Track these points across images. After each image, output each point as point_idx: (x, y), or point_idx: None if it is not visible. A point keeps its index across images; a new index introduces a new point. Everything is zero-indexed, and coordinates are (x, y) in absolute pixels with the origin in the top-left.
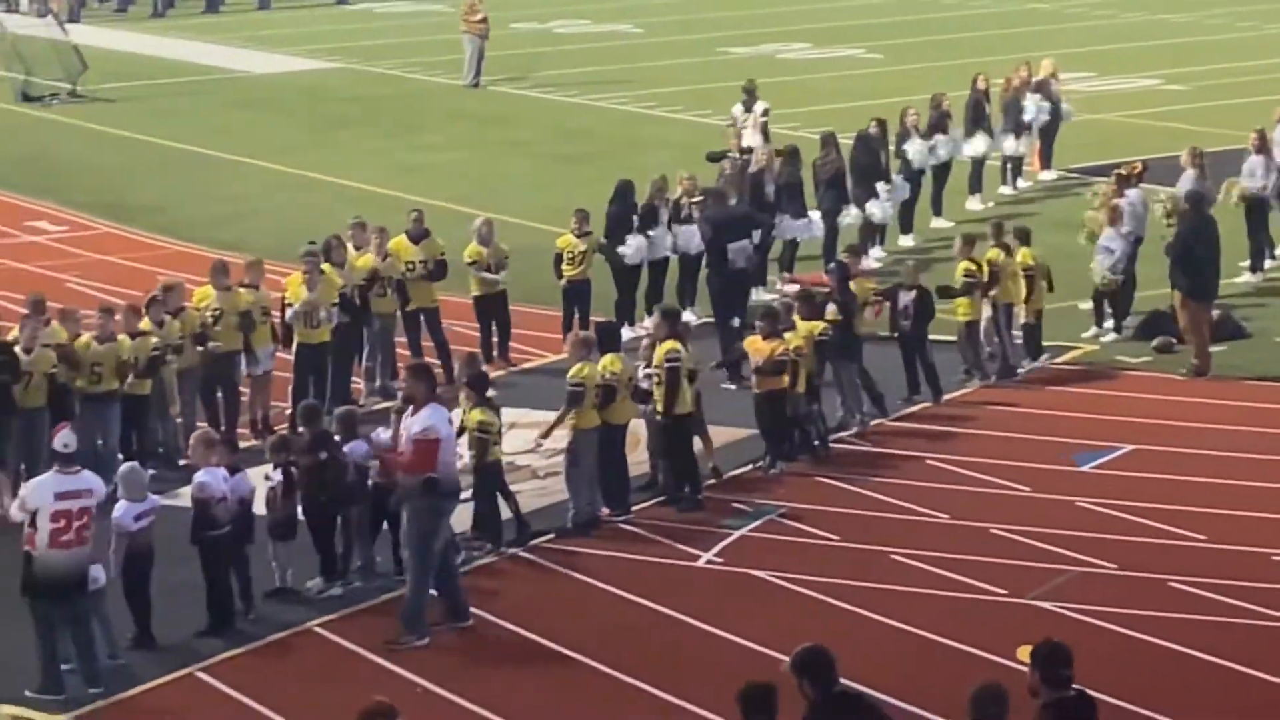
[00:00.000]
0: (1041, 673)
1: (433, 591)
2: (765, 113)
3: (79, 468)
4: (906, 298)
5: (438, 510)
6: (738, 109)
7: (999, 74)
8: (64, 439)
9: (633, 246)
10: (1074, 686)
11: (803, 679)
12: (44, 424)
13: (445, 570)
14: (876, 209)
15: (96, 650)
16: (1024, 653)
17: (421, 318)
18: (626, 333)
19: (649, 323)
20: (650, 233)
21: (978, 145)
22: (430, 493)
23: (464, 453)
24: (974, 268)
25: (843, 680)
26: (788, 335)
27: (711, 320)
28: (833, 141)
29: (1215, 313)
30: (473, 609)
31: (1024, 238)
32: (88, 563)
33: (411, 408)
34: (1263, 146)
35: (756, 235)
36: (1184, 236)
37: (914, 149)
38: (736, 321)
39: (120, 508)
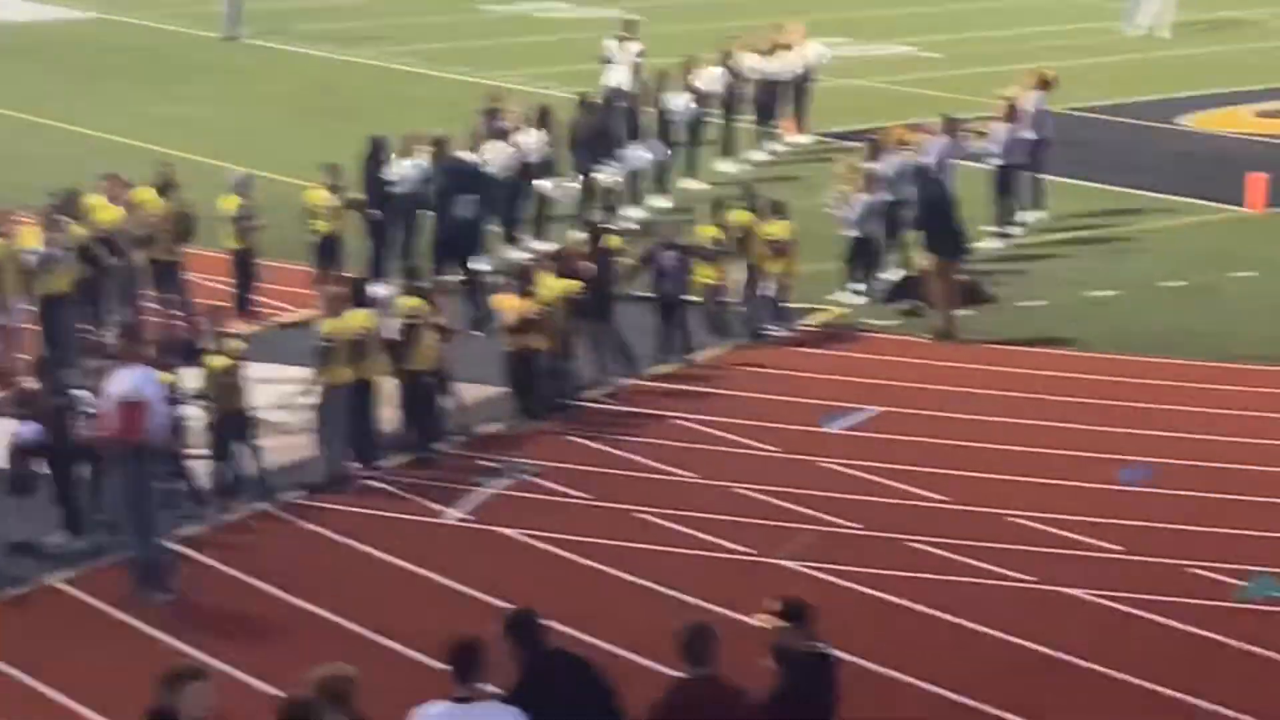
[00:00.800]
0: (788, 628)
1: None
2: (641, 54)
3: None
4: (667, 258)
5: (146, 474)
6: (611, 44)
7: (758, 36)
8: None
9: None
10: (817, 644)
11: (511, 641)
12: None
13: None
14: (615, 170)
15: None
16: (760, 619)
17: (166, 271)
18: (378, 289)
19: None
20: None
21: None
22: (137, 457)
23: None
24: (720, 233)
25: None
26: (539, 293)
27: (464, 279)
28: (588, 103)
29: (962, 278)
30: (222, 566)
31: (777, 209)
32: None
33: (118, 369)
34: (1011, 114)
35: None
36: (925, 204)
37: (669, 106)
38: (487, 275)
39: None
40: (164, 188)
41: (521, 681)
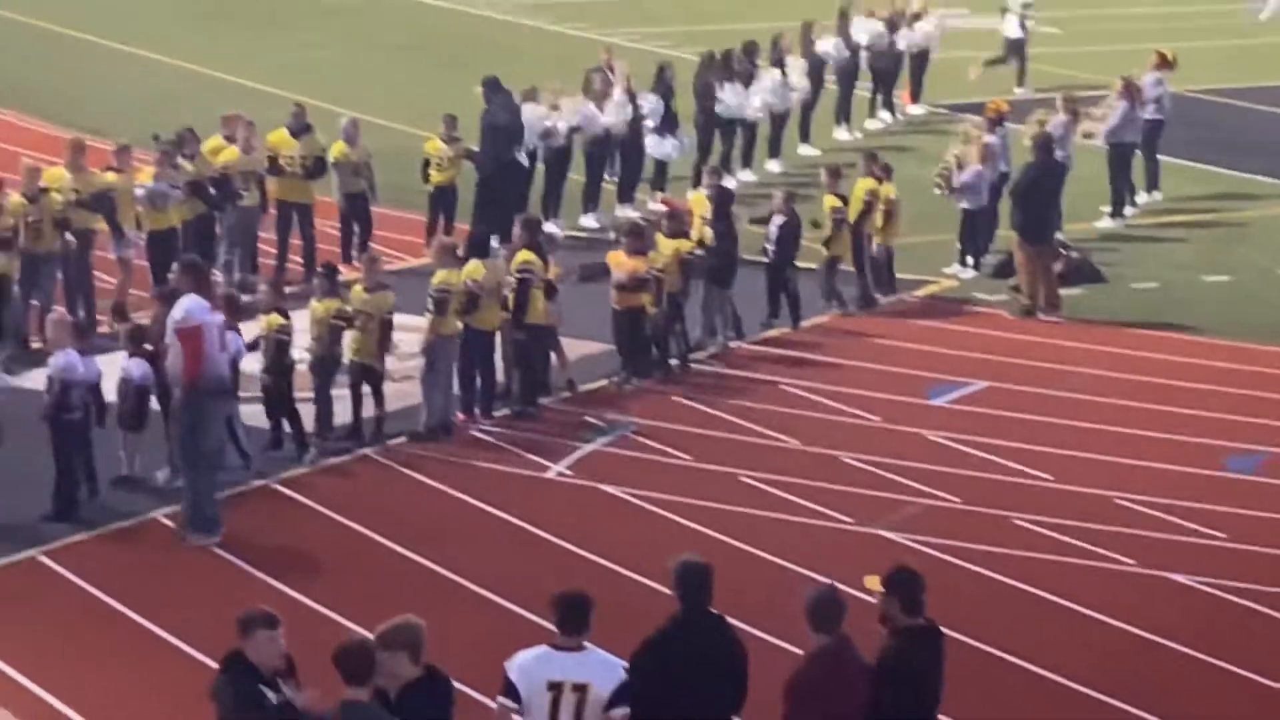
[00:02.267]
0: (898, 598)
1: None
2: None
3: None
4: (780, 222)
5: (203, 409)
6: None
7: (877, 4)
8: None
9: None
10: (922, 616)
11: (675, 590)
12: None
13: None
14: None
15: None
16: (871, 582)
17: (294, 214)
18: (494, 240)
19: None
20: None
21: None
22: (191, 388)
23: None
24: (840, 204)
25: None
26: (651, 253)
27: (575, 234)
28: (710, 61)
29: (1074, 255)
30: (319, 506)
31: (886, 172)
32: None
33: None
34: (1128, 93)
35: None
36: (1029, 177)
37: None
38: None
39: None
40: (296, 129)
41: (660, 633)
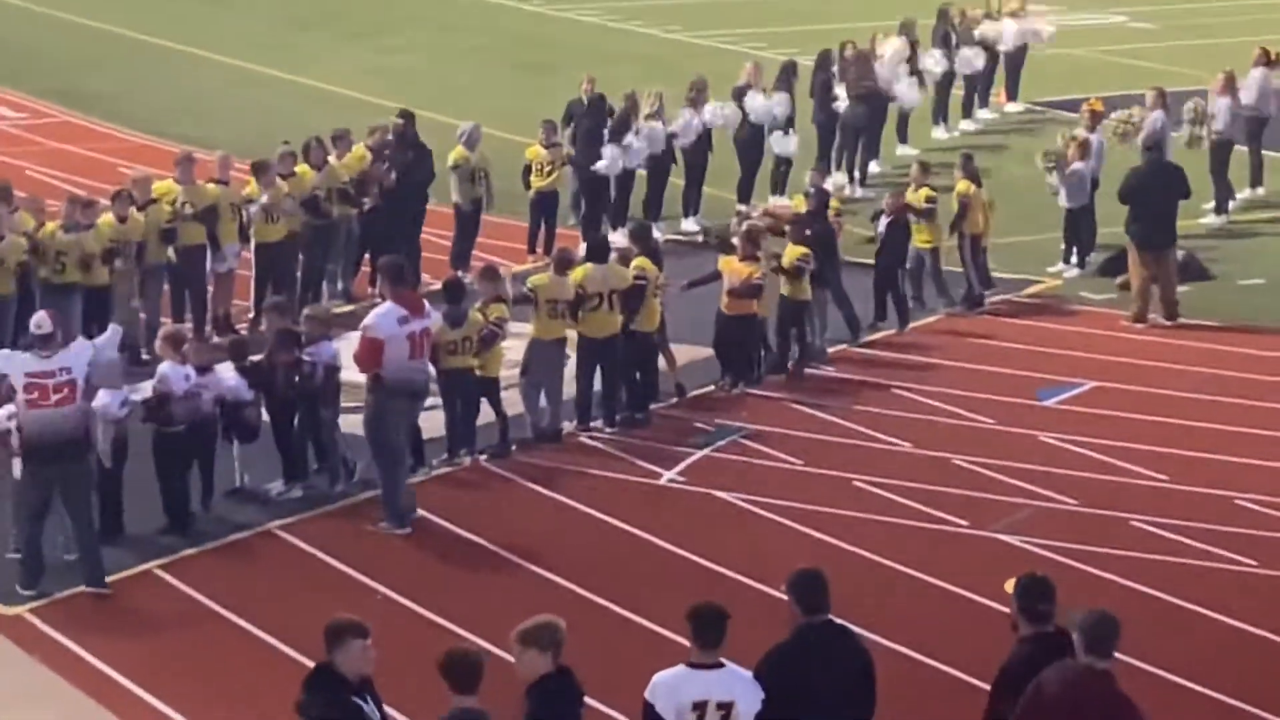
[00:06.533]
0: (1020, 605)
1: None
2: None
3: (54, 351)
4: (883, 224)
5: (382, 407)
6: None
7: (972, 3)
8: (37, 320)
9: (608, 157)
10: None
11: (791, 600)
12: (10, 313)
13: None
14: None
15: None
16: (1010, 585)
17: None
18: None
19: (615, 237)
20: (623, 143)
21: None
22: (372, 389)
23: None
24: (934, 195)
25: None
26: (767, 259)
27: (678, 238)
28: (826, 60)
29: (1180, 254)
30: (432, 515)
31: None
32: (74, 426)
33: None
34: (1227, 89)
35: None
36: (1136, 178)
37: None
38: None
39: (104, 396)
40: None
41: (786, 645)
